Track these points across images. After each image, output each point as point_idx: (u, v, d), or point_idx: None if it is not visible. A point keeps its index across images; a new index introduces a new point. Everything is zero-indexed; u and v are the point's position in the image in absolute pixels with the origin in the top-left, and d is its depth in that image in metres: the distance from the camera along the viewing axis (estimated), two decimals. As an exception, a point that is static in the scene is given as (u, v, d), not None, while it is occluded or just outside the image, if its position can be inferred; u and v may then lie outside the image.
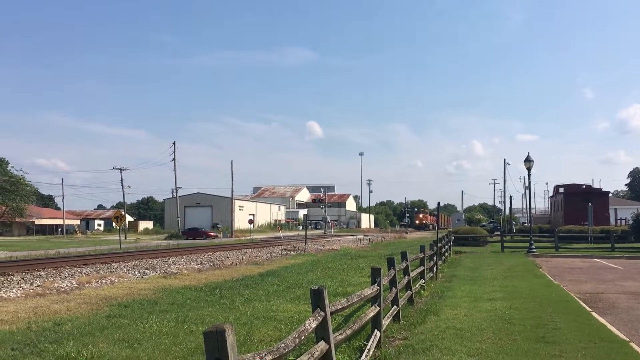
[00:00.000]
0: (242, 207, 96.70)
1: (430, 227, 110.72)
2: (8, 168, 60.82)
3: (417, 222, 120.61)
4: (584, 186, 56.09)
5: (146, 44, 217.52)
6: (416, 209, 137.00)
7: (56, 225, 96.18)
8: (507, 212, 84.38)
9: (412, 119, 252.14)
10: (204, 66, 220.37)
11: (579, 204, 44.97)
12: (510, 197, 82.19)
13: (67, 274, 17.95)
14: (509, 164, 79.30)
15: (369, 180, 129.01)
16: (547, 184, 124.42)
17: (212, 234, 67.02)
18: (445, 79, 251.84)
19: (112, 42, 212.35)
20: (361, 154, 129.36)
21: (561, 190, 54.67)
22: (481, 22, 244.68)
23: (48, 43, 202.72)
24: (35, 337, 8.43)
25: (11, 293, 13.60)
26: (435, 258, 18.50)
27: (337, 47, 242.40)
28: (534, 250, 30.51)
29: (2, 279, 16.69)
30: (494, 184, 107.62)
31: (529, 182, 36.69)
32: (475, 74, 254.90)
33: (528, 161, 32.25)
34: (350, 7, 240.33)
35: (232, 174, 79.44)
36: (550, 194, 69.15)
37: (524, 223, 71.60)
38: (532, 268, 21.45)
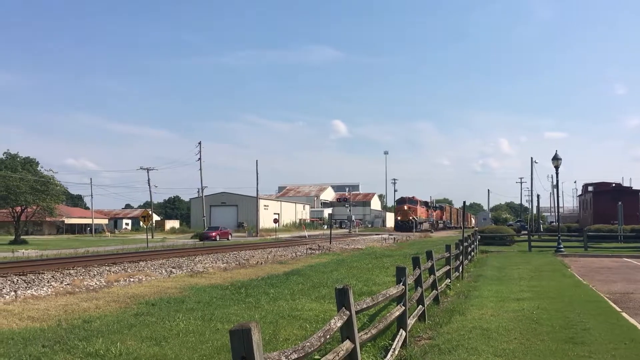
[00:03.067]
0: (267, 206, 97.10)
1: (425, 224, 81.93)
2: (38, 168, 61.91)
3: (398, 217, 78.78)
4: (614, 184, 55.06)
5: (171, 44, 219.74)
6: (403, 197, 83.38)
7: (85, 224, 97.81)
8: (534, 211, 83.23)
9: (437, 117, 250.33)
10: (228, 65, 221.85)
11: (609, 203, 44.10)
12: (538, 195, 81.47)
13: (96, 273, 18.24)
14: (536, 162, 78.48)
15: (394, 179, 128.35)
16: (575, 182, 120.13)
17: (213, 234, 58.35)
18: (471, 76, 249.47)
19: (138, 43, 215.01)
20: (386, 152, 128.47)
21: (590, 188, 53.66)
22: (508, 18, 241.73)
23: (76, 44, 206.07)
24: (65, 335, 8.59)
25: (42, 291, 13.86)
26: (461, 257, 18.36)
27: (361, 45, 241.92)
28: (562, 249, 30.04)
29: (34, 277, 17.03)
30: (521, 183, 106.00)
31: (557, 181, 36.16)
32: (502, 71, 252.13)
33: (556, 159, 31.79)
34: (374, 4, 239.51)
35: (257, 173, 79.87)
36: (579, 192, 67.99)
37: (552, 222, 70.59)
38: (561, 268, 21.13)
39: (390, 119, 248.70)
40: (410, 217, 75.67)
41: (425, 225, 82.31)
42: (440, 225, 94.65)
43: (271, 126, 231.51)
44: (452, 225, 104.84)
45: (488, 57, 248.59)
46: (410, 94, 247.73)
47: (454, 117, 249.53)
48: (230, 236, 62.21)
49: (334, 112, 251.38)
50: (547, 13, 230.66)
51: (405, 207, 78.21)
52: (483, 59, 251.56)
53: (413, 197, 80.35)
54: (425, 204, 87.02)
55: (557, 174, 33.03)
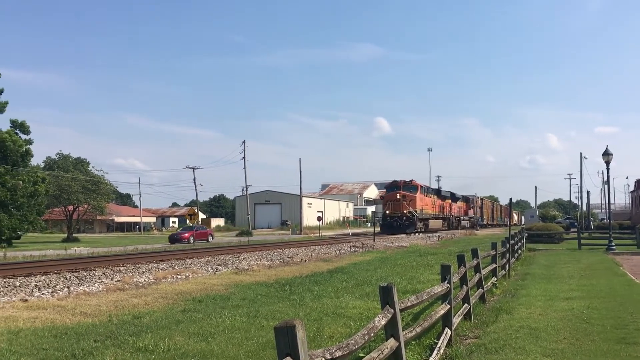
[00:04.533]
0: (311, 204, 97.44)
1: (434, 222, 58.35)
2: (89, 168, 63.87)
3: (387, 210, 53.94)
4: (669, 180, 53.01)
5: (216, 44, 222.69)
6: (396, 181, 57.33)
7: (134, 222, 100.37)
8: (584, 208, 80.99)
9: (482, 113, 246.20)
10: (271, 65, 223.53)
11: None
12: (588, 192, 79.03)
13: (144, 270, 18.67)
14: (586, 158, 76.22)
15: (438, 177, 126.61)
16: (627, 178, 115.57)
17: (186, 235, 48.19)
18: (517, 70, 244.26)
19: (184, 44, 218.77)
20: (429, 149, 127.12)
21: (643, 184, 51.87)
22: (555, 11, 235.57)
23: (123, 47, 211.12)
24: (115, 330, 8.82)
25: (93, 287, 14.28)
26: (507, 255, 18.02)
27: (404, 42, 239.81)
28: (613, 247, 29.13)
29: (85, 273, 17.56)
30: (570, 179, 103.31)
31: (608, 177, 35.03)
32: (549, 65, 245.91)
33: (607, 154, 30.84)
34: (417, 2, 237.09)
35: (300, 171, 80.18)
36: (631, 188, 65.84)
37: (603, 219, 68.62)
38: (612, 266, 20.50)
39: (434, 115, 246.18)
40: (405, 211, 51.20)
41: (435, 224, 58.42)
42: (465, 223, 72.62)
43: (314, 124, 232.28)
44: (487, 223, 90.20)
45: (535, 49, 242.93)
46: (454, 90, 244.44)
47: (499, 112, 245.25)
48: (211, 237, 51.70)
49: (377, 109, 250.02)
50: (594, 4, 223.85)
51: (398, 196, 52.17)
52: (530, 52, 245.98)
53: (411, 180, 54.88)
54: (437, 192, 64.22)
55: (607, 169, 32.06)
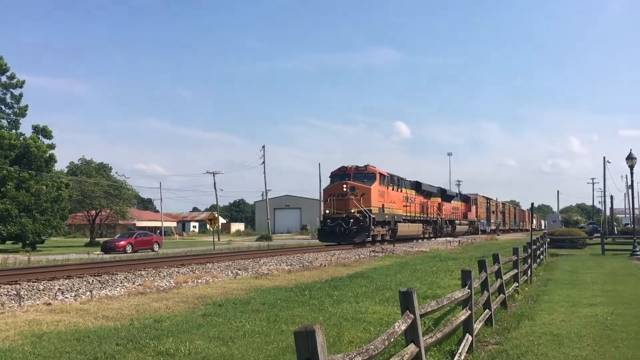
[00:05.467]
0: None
1: (410, 226, 42.60)
2: (111, 173, 64.71)
3: (327, 210, 36.90)
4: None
5: (235, 50, 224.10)
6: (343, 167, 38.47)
7: (155, 227, 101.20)
8: (607, 213, 79.84)
9: (502, 116, 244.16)
10: (290, 69, 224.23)
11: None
12: (611, 196, 77.61)
13: (165, 274, 18.81)
14: (609, 162, 75.18)
15: (458, 181, 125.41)
16: None
17: (121, 243, 41.36)
18: (537, 73, 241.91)
19: (204, 50, 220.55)
20: (449, 153, 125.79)
21: (669, 188, 50.89)
22: (575, 13, 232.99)
23: (144, 52, 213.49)
24: (137, 333, 8.90)
25: (115, 291, 14.42)
26: (529, 261, 17.83)
27: (423, 46, 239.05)
28: (638, 253, 28.64)
29: (107, 277, 17.75)
30: (593, 183, 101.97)
31: (632, 181, 34.69)
32: (571, 67, 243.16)
33: (630, 158, 30.43)
34: (435, 5, 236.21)
35: (319, 176, 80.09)
36: (657, 192, 64.69)
37: (627, 224, 67.48)
38: (636, 272, 20.18)
39: (454, 119, 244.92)
40: (354, 210, 34.93)
41: (409, 229, 42.41)
42: (463, 227, 59.15)
43: (333, 129, 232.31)
44: (508, 228, 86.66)
45: (555, 54, 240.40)
46: (474, 94, 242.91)
47: (520, 115, 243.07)
48: (157, 246, 44.41)
49: (396, 114, 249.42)
50: (615, 7, 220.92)
51: (344, 188, 35.72)
52: (550, 55, 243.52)
53: (366, 166, 37.99)
54: (414, 185, 46.01)
55: (631, 173, 31.63)
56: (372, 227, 35.51)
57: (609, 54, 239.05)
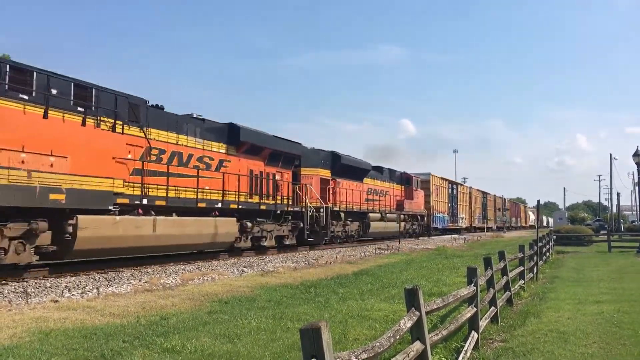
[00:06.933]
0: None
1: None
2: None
3: None
4: (702, 181, 51.65)
5: (245, 48, 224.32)
6: None
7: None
8: (614, 210, 79.50)
9: (509, 114, 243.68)
10: (298, 68, 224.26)
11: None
12: (618, 193, 77.12)
13: (171, 271, 18.85)
14: (616, 159, 74.74)
15: (464, 178, 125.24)
16: None
17: None
18: (545, 71, 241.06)
19: (216, 48, 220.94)
20: (455, 151, 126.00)
21: (676, 185, 50.71)
22: (584, 10, 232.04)
23: (155, 51, 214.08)
24: (143, 331, 8.92)
25: (122, 288, 14.47)
26: (535, 258, 17.81)
27: (429, 43, 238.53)
28: (644, 250, 28.61)
29: (114, 275, 17.80)
30: (600, 180, 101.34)
31: (639, 178, 34.44)
32: (577, 65, 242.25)
33: (637, 155, 30.36)
34: (443, 3, 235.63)
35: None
36: (663, 190, 64.23)
37: (634, 221, 67.19)
38: (643, 269, 20.11)
39: (460, 117, 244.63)
40: None
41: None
42: (401, 225, 39.87)
43: (339, 127, 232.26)
44: (514, 225, 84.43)
45: (563, 51, 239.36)
46: (480, 91, 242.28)
47: (526, 113, 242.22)
48: None
49: (402, 111, 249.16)
50: (623, 4, 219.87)
51: None
52: (557, 53, 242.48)
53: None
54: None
55: (638, 171, 31.58)
56: None
57: (616, 51, 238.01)
